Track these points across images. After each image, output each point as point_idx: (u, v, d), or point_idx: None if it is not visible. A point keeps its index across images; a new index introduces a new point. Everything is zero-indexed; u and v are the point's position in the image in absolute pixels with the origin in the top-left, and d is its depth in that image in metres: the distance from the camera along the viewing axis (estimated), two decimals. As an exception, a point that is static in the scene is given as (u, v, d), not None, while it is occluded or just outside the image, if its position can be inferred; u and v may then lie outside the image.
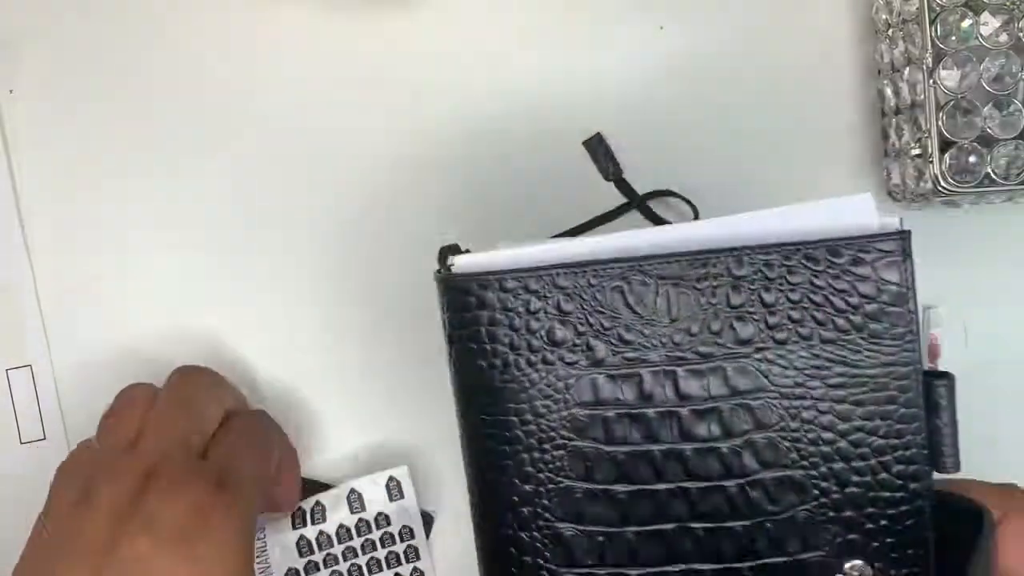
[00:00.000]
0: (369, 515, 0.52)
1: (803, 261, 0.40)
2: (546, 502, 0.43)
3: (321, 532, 0.51)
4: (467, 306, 0.42)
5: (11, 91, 0.55)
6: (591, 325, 0.42)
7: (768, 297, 0.41)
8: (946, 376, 0.41)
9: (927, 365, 0.55)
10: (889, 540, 0.41)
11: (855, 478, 0.41)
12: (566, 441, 0.42)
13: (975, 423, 0.56)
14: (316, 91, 0.55)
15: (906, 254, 0.40)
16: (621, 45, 0.56)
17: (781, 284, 0.41)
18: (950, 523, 0.41)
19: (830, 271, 0.40)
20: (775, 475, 0.41)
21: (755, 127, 0.56)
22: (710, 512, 0.42)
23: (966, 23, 0.50)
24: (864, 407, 0.41)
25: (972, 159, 0.50)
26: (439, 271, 0.43)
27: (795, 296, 0.41)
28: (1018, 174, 0.50)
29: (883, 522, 0.41)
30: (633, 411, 0.42)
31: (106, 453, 0.44)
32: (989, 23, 0.50)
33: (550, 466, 0.43)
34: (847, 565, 0.41)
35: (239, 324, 0.55)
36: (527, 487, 0.43)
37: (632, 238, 0.42)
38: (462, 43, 0.55)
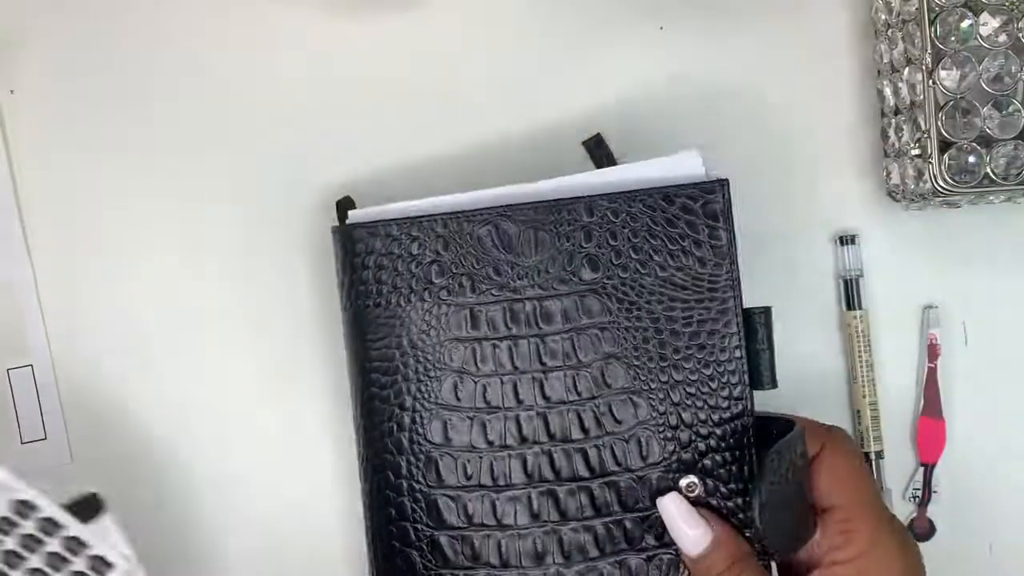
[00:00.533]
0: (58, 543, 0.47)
1: (642, 208, 0.47)
2: (420, 428, 0.48)
3: None
4: (357, 252, 0.48)
5: (11, 91, 0.55)
6: (464, 265, 0.48)
7: (614, 239, 0.47)
8: (763, 309, 0.47)
9: (927, 366, 0.55)
10: (717, 457, 0.47)
11: (687, 400, 0.47)
12: (440, 370, 0.47)
13: (975, 422, 0.56)
14: (316, 91, 0.55)
15: (726, 200, 0.47)
16: (621, 45, 0.56)
17: (624, 227, 0.47)
18: (775, 443, 0.45)
19: (664, 215, 0.47)
20: (619, 397, 0.47)
21: (755, 127, 0.56)
22: (565, 433, 0.48)
23: (965, 23, 0.50)
24: (692, 334, 0.47)
25: (971, 159, 0.50)
26: (335, 225, 0.49)
27: (636, 238, 0.47)
28: (1017, 174, 0.50)
29: (711, 441, 0.47)
30: (499, 340, 0.48)
31: None
32: (988, 23, 0.50)
33: (425, 394, 0.48)
34: (683, 482, 0.47)
35: (238, 321, 0.55)
36: (405, 414, 0.48)
37: (503, 191, 0.49)
38: (462, 44, 0.55)
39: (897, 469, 0.56)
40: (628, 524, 0.47)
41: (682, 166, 0.48)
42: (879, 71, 0.55)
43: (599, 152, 0.52)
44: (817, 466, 0.46)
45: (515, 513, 0.48)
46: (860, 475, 0.46)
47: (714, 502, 0.46)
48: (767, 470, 0.44)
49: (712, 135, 0.55)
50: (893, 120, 0.53)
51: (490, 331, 0.48)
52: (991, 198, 0.52)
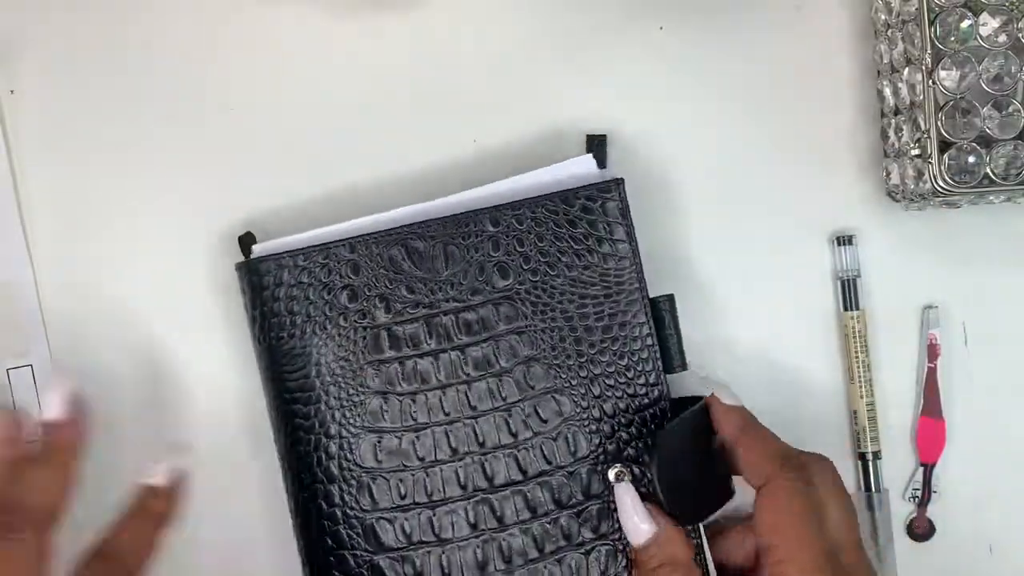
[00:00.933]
0: None
1: (544, 212, 0.49)
2: (349, 454, 0.48)
3: None
4: (265, 285, 0.49)
5: (11, 91, 0.55)
6: (376, 287, 0.49)
7: (521, 245, 0.49)
8: (667, 296, 0.50)
9: (927, 365, 0.55)
10: (640, 444, 0.49)
11: (607, 392, 0.49)
12: (363, 393, 0.49)
13: (975, 422, 0.56)
14: (316, 91, 0.55)
15: (623, 197, 0.49)
16: (621, 46, 0.56)
17: (530, 232, 0.49)
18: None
19: (566, 216, 0.49)
20: (543, 397, 0.49)
21: (755, 127, 0.56)
22: (494, 440, 0.49)
23: (965, 24, 0.50)
24: (605, 327, 0.49)
25: (971, 159, 0.50)
26: (240, 261, 0.50)
27: (542, 242, 0.49)
28: (1017, 174, 0.50)
29: (632, 429, 0.49)
30: (420, 357, 0.49)
31: None
32: (988, 24, 0.50)
33: (350, 419, 0.48)
34: (611, 473, 0.49)
35: (240, 322, 0.55)
36: (331, 442, 0.48)
37: (409, 210, 0.50)
38: (462, 45, 0.55)
39: (897, 469, 0.56)
40: (564, 521, 0.49)
41: (578, 169, 0.51)
42: (879, 71, 0.55)
43: (599, 152, 0.52)
44: (760, 499, 0.46)
45: (453, 526, 0.49)
46: (800, 520, 0.45)
47: (643, 489, 0.48)
48: (660, 445, 0.47)
49: (711, 135, 0.56)
50: (893, 120, 0.53)
51: (410, 348, 0.49)
52: (991, 198, 0.52)
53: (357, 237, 0.49)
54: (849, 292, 0.55)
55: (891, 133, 0.54)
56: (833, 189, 0.56)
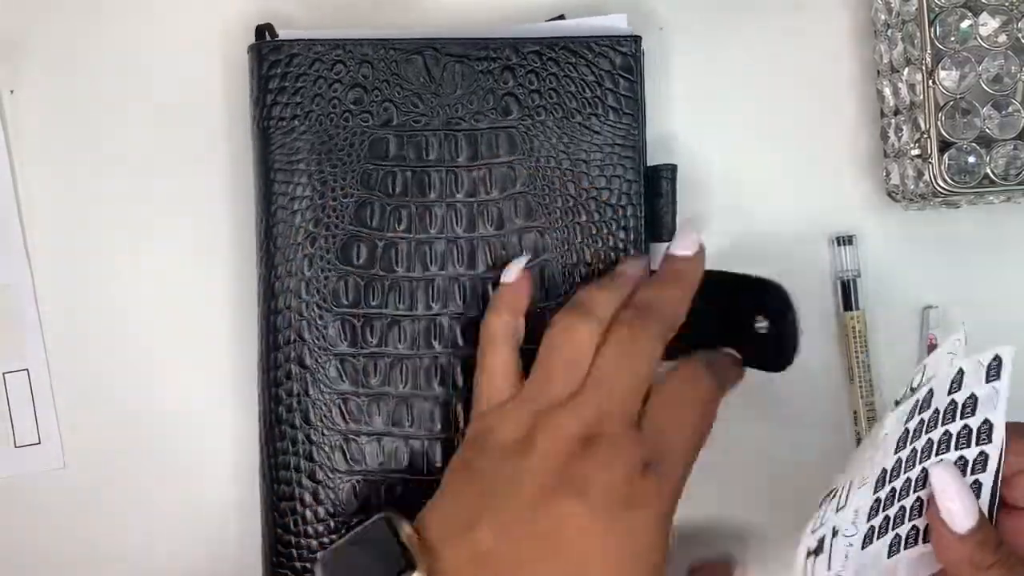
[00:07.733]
0: (960, 397, 0.43)
1: (564, 52, 0.50)
2: (325, 253, 0.50)
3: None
4: (276, 64, 0.50)
5: (11, 91, 0.55)
6: (386, 91, 0.50)
7: (534, 80, 0.50)
8: (670, 165, 0.51)
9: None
10: None
11: (589, 241, 0.50)
12: (354, 191, 0.50)
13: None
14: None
15: (638, 55, 0.51)
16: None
17: (545, 70, 0.50)
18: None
19: (583, 61, 0.50)
20: (524, 231, 0.50)
21: (754, 128, 0.56)
22: (474, 257, 0.50)
23: (965, 24, 0.50)
24: (599, 178, 0.50)
25: (971, 159, 0.50)
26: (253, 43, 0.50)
27: (554, 82, 0.50)
28: (1017, 174, 0.50)
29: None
30: (415, 168, 0.50)
31: (547, 405, 0.45)
32: (988, 24, 0.50)
33: (337, 213, 0.49)
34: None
35: (241, 326, 0.55)
36: (313, 229, 0.49)
37: (434, 30, 0.52)
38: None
39: (897, 469, 0.56)
40: None
41: (608, 24, 0.52)
42: (879, 71, 0.55)
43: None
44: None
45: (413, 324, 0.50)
46: None
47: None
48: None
49: (711, 135, 0.56)
50: (893, 120, 0.54)
51: (408, 160, 0.50)
52: (991, 198, 0.52)
53: (377, 39, 0.50)
54: (849, 292, 0.55)
55: (891, 133, 0.54)
56: (833, 189, 0.56)
